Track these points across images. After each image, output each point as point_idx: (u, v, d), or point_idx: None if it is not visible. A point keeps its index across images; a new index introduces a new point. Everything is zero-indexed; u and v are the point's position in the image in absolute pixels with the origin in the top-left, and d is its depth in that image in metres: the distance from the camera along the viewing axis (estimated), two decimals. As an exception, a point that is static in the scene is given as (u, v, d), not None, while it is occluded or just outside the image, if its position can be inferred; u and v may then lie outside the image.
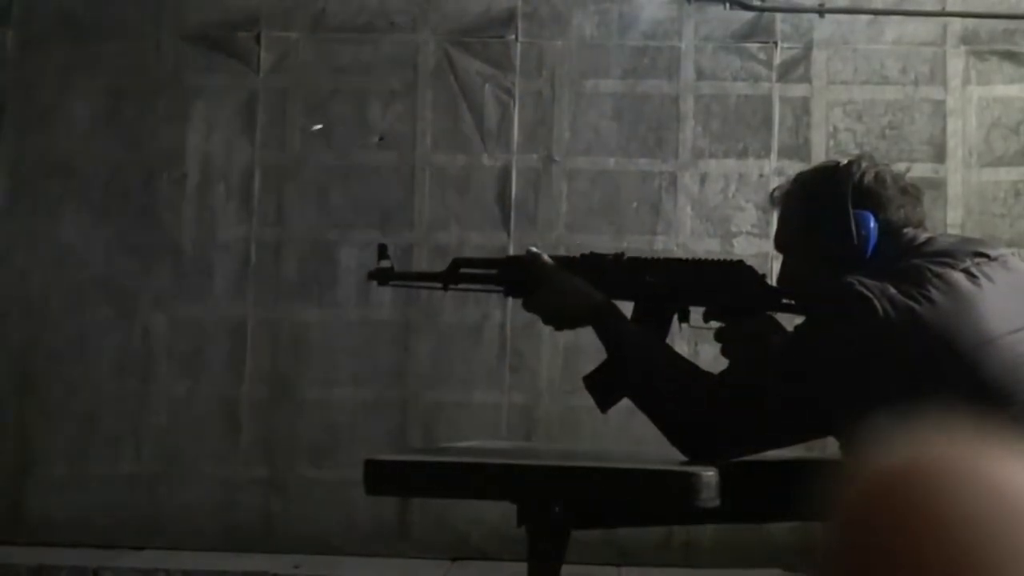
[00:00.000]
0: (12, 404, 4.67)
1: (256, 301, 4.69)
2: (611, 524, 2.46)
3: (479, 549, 4.52)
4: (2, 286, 4.70)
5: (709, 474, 1.78)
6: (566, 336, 2.27)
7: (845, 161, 2.07)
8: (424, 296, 4.40)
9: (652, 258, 2.26)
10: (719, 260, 2.23)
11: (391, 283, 2.36)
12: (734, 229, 4.68)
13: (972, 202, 4.66)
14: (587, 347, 2.14)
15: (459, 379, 4.66)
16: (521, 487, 1.89)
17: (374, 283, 2.36)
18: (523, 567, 1.91)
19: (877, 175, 2.02)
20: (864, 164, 2.04)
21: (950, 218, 4.62)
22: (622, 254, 2.24)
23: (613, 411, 2.17)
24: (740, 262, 2.21)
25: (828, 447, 2.11)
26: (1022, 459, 0.68)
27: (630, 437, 3.66)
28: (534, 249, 2.25)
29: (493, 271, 2.29)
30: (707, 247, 4.64)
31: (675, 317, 2.21)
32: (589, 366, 2.19)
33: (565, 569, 1.95)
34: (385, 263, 2.33)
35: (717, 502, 1.78)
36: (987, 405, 1.75)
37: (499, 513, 4.03)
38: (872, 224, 1.98)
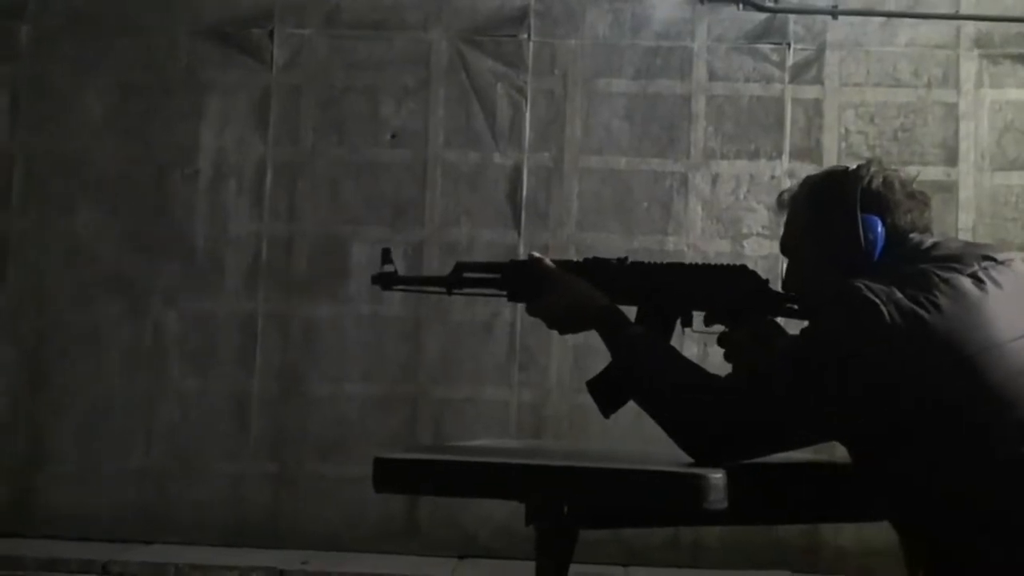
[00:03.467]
0: (23, 399, 4.69)
1: (267, 297, 4.71)
2: (619, 524, 2.46)
3: (487, 547, 4.53)
4: (14, 281, 4.72)
5: (717, 476, 1.78)
6: (575, 335, 2.29)
7: (854, 165, 2.08)
8: (430, 293, 4.40)
9: (655, 263, 2.26)
10: (722, 265, 2.24)
11: (395, 288, 2.36)
12: (745, 230, 4.68)
13: (984, 205, 4.65)
14: (596, 346, 2.14)
15: (469, 376, 4.67)
16: (530, 487, 1.89)
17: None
18: (531, 566, 1.91)
19: (885, 179, 2.02)
20: (873, 168, 2.04)
21: (961, 221, 4.62)
22: (626, 258, 2.25)
23: (622, 410, 2.17)
24: (743, 267, 2.22)
25: (836, 450, 2.11)
26: None
27: (639, 436, 3.67)
28: (537, 254, 2.26)
29: (496, 275, 2.30)
30: (717, 248, 4.64)
31: (678, 321, 2.22)
32: (598, 364, 2.20)
33: (573, 568, 1.95)
34: (389, 267, 2.33)
35: (724, 504, 1.78)
36: (993, 410, 1.75)
37: (507, 512, 4.04)
38: (879, 229, 1.98)
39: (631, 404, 2.10)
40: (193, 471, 4.64)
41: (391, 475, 1.93)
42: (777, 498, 2.08)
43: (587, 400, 2.19)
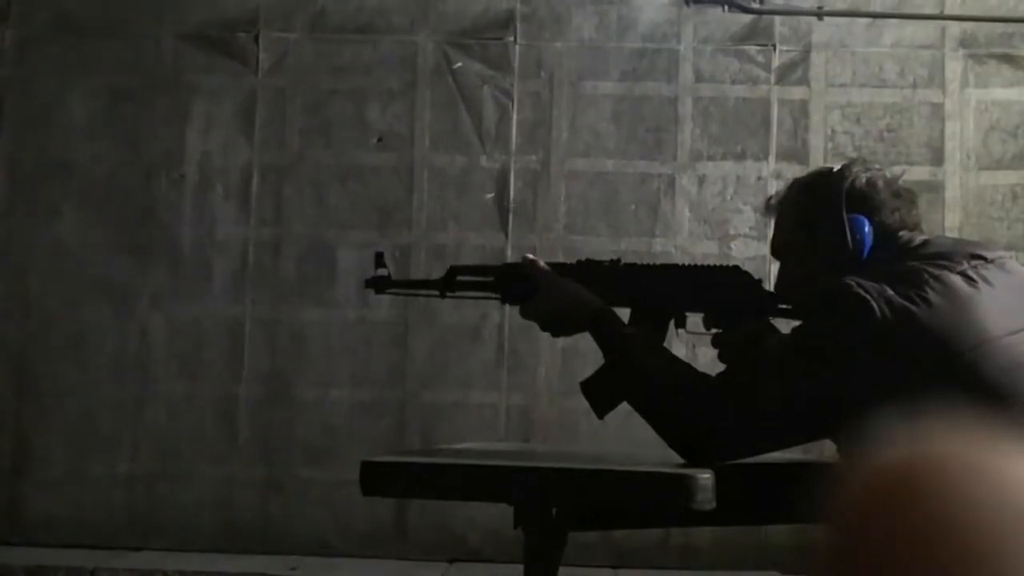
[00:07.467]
0: (10, 404, 4.66)
1: (254, 301, 4.69)
2: (608, 526, 2.46)
3: (476, 551, 4.52)
4: (0, 285, 4.70)
5: (705, 476, 1.78)
6: (566, 337, 2.29)
7: (838, 166, 2.08)
8: (422, 296, 4.40)
9: (648, 264, 2.26)
10: (715, 265, 2.24)
11: (388, 291, 2.36)
12: (732, 231, 4.68)
13: (970, 205, 4.66)
14: (585, 348, 2.14)
15: (457, 380, 4.66)
16: (518, 489, 1.89)
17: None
18: (520, 569, 1.91)
19: (869, 180, 2.03)
20: (856, 168, 2.05)
21: (948, 221, 4.62)
22: (618, 260, 2.25)
23: (611, 413, 2.17)
24: (736, 267, 2.22)
25: (825, 449, 2.11)
26: (1020, 455, 0.67)
27: (628, 439, 3.67)
28: (530, 256, 2.25)
29: (490, 278, 2.30)
30: (705, 249, 4.64)
31: (672, 323, 2.22)
32: (587, 367, 2.19)
33: (562, 571, 1.95)
34: (382, 271, 2.33)
35: (713, 504, 1.78)
36: (985, 406, 1.75)
37: (496, 515, 4.02)
38: (867, 228, 1.98)
39: (622, 406, 2.10)
40: (181, 476, 4.63)
41: (379, 479, 1.93)
42: (766, 498, 2.08)
43: (576, 403, 2.19)
